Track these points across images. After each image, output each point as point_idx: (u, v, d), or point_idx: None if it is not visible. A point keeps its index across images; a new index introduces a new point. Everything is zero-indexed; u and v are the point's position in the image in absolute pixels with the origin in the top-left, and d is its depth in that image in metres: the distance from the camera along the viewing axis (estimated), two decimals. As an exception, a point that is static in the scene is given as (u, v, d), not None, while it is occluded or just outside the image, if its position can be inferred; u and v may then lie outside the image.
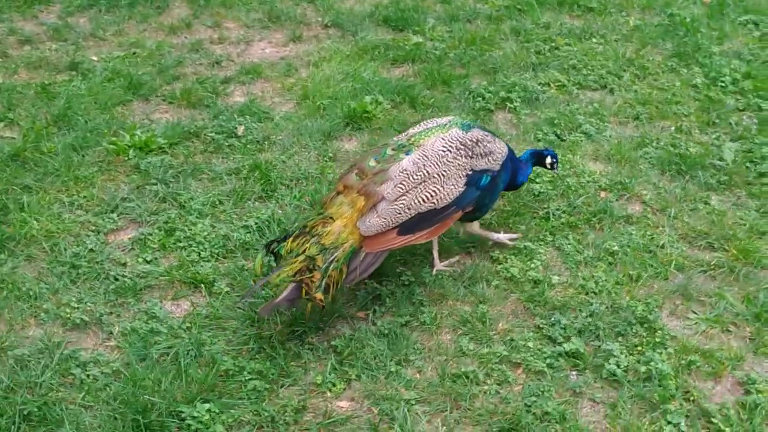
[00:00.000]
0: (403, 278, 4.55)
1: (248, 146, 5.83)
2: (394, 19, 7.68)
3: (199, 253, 4.81)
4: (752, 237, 4.84)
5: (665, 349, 4.09)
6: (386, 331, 4.22)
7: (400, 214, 4.11)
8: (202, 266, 4.71)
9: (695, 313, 4.36)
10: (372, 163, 4.30)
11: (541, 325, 4.26)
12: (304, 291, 3.93)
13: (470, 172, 4.25)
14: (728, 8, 7.84)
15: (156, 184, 5.40)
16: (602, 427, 3.74)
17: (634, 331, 4.19)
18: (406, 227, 4.13)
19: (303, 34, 7.54)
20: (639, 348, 4.10)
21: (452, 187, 4.19)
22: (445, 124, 4.40)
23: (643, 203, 5.20)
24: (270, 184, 5.38)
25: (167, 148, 5.78)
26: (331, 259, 4.00)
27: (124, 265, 4.74)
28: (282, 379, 4.00)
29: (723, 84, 6.51)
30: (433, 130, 4.36)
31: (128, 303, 4.48)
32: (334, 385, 3.97)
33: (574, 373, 4.00)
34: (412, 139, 4.34)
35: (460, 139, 4.28)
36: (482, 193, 4.33)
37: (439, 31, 7.53)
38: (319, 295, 3.94)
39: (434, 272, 4.57)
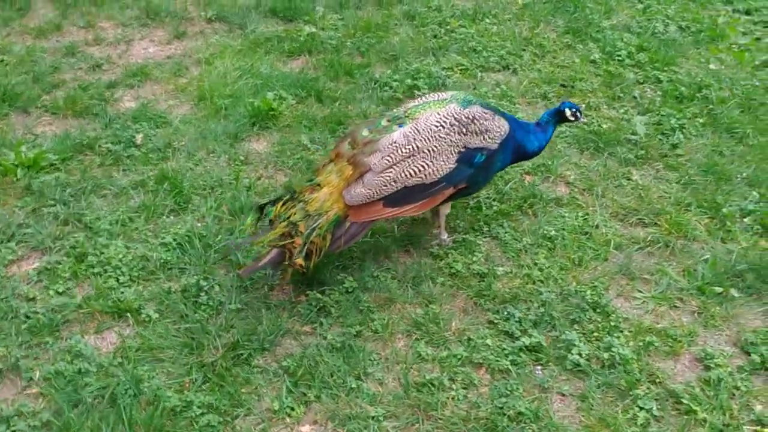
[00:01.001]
0: (345, 285, 4.32)
1: (150, 155, 5.42)
2: (282, 9, 7.38)
3: (117, 279, 4.42)
4: (680, 210, 4.90)
5: (621, 332, 4.07)
6: (339, 345, 3.99)
7: (385, 186, 4.07)
8: (123, 293, 4.32)
9: (641, 291, 4.36)
10: (365, 132, 4.24)
11: (494, 321, 4.15)
12: (286, 256, 3.97)
13: (463, 150, 4.15)
14: (609, -18, 7.94)
15: (54, 206, 4.94)
16: (577, 420, 3.66)
17: (588, 317, 4.14)
18: (392, 200, 4.09)
19: (187, 30, 7.12)
20: (596, 334, 4.05)
21: (442, 163, 4.12)
22: (445, 99, 4.31)
23: (569, 184, 5.18)
24: (182, 195, 5.00)
25: (60, 165, 5.30)
26: (314, 225, 3.99)
27: (33, 299, 4.29)
28: (235, 410, 3.71)
29: (620, 58, 6.60)
30: (431, 104, 4.27)
31: (46, 343, 4.05)
32: (292, 409, 3.72)
33: (538, 367, 3.90)
34: (408, 112, 4.26)
35: (455, 115, 4.18)
36: (476, 170, 4.23)
37: (330, 19, 7.29)
38: (300, 261, 3.96)
39: (440, 241, 4.58)
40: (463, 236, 4.67)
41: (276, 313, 4.19)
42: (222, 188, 5.10)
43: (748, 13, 7.45)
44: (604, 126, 5.71)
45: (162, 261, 4.51)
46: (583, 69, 6.47)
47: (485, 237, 4.70)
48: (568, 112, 4.55)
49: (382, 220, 4.27)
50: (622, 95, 6.12)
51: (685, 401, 3.71)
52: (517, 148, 4.43)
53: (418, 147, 4.10)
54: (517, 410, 3.66)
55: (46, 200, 4.96)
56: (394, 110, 4.41)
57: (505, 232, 4.70)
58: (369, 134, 4.23)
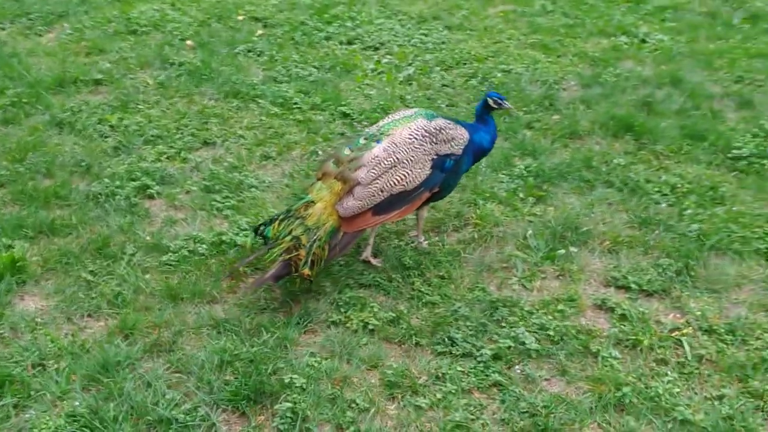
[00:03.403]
0: (296, 385, 4.08)
1: None
2: None
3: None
4: (472, 206, 5.54)
5: (537, 312, 4.58)
6: (347, 439, 3.79)
7: (374, 196, 4.52)
8: None
9: (509, 278, 4.91)
10: (346, 151, 4.69)
11: (443, 351, 4.34)
12: (293, 268, 4.38)
13: (435, 157, 4.65)
14: (214, 46, 8.22)
15: None
16: (580, 390, 4.09)
17: (504, 312, 4.56)
18: (380, 208, 4.55)
19: None
20: (523, 322, 4.50)
21: (420, 170, 4.61)
22: (411, 115, 4.80)
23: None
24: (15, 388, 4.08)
25: None
26: (314, 238, 4.45)
27: None
28: None
29: (297, 106, 6.99)
30: (401, 121, 4.75)
31: None
32: None
33: (516, 367, 4.22)
34: (382, 129, 4.73)
35: (425, 128, 4.67)
36: (447, 175, 4.75)
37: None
38: (306, 271, 4.39)
39: (362, 258, 4.95)
40: (344, 297, 4.67)
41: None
42: (52, 362, 4.26)
43: (350, 43, 8.40)
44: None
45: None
46: (276, 123, 6.71)
47: (360, 289, 4.78)
48: (490, 101, 4.94)
49: (370, 227, 4.74)
50: (331, 136, 6.52)
51: (627, 338, 4.38)
52: (476, 150, 4.91)
53: (398, 159, 4.56)
54: (540, 406, 3.94)
55: None
56: (367, 130, 4.90)
57: (372, 278, 4.84)
58: (350, 152, 4.65)
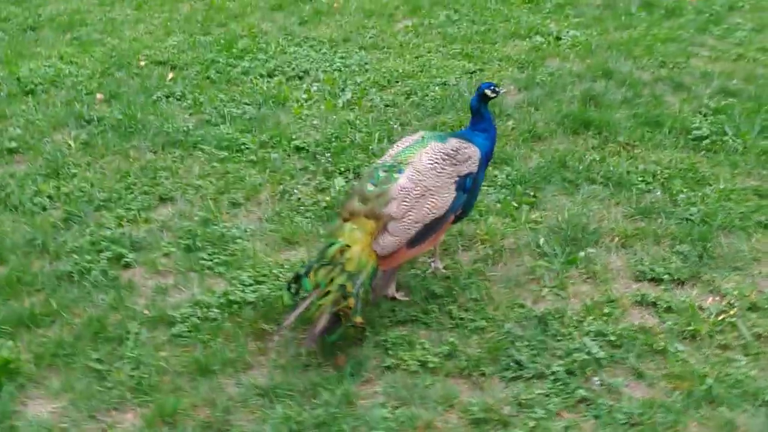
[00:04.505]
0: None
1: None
2: None
3: None
4: (471, 222, 5.42)
5: (585, 319, 4.51)
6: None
7: (409, 229, 4.35)
8: None
9: (542, 290, 4.82)
10: (370, 187, 4.44)
11: (511, 376, 4.19)
12: (343, 318, 4.15)
13: (457, 178, 4.51)
14: (127, 96, 7.72)
15: None
16: (661, 390, 4.05)
17: (556, 325, 4.47)
18: (414, 240, 4.38)
19: None
20: (578, 331, 4.42)
21: (447, 195, 4.46)
22: (420, 140, 4.63)
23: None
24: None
25: None
26: (359, 283, 4.21)
27: None
28: None
29: (248, 147, 6.65)
30: (414, 147, 4.58)
31: None
32: None
33: (594, 379, 4.13)
34: (399, 159, 4.53)
35: (443, 150, 4.52)
36: (468, 195, 4.61)
37: None
38: (359, 319, 4.20)
39: (388, 296, 4.71)
40: (385, 337, 4.46)
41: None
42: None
43: (270, 75, 8.09)
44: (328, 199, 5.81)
45: None
46: (230, 168, 6.34)
47: (399, 327, 4.57)
48: (488, 92, 4.78)
49: (405, 262, 4.59)
50: (294, 173, 6.23)
51: (684, 329, 4.39)
52: (486, 161, 4.81)
53: (425, 186, 4.40)
54: (637, 413, 3.87)
55: None
56: (380, 161, 4.67)
57: (407, 313, 4.64)
58: (375, 187, 4.42)
